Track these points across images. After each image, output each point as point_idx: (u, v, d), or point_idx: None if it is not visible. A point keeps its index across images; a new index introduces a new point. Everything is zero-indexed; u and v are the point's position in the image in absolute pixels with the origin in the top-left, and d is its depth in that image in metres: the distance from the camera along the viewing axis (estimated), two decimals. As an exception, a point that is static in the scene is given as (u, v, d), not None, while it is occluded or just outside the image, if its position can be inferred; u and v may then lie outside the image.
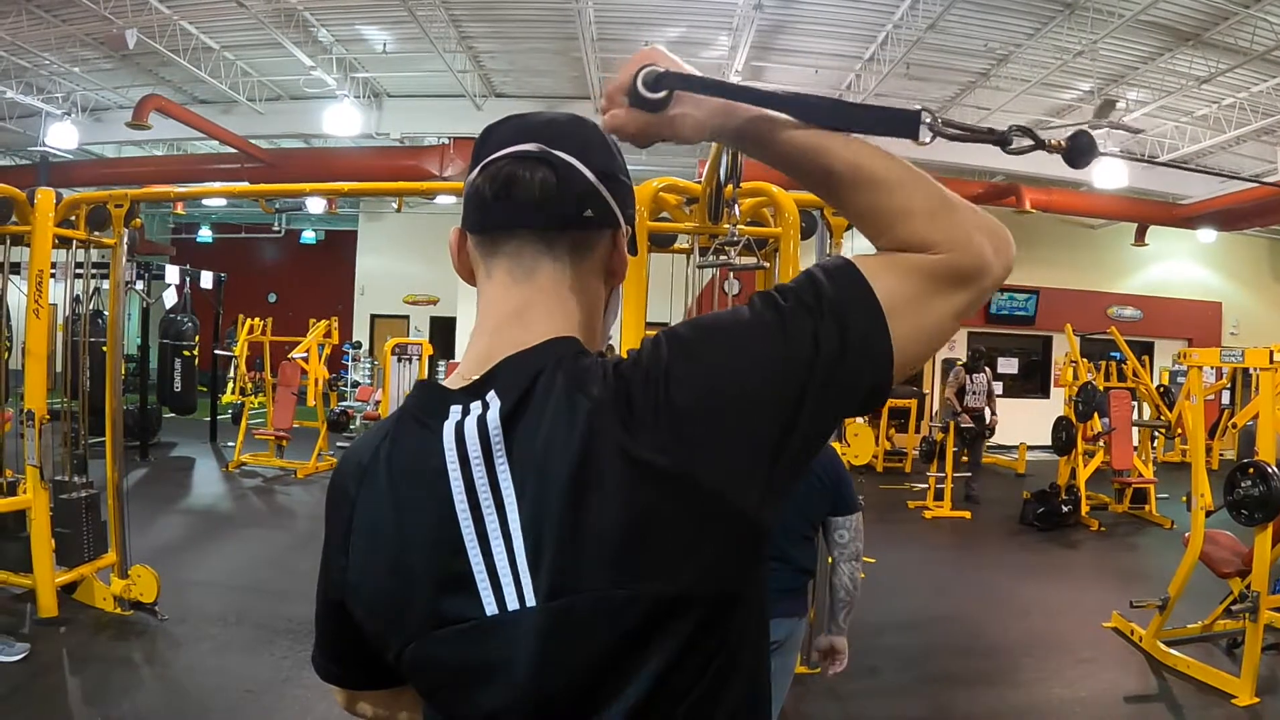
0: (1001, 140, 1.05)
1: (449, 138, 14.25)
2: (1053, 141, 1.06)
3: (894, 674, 5.59)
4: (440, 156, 14.09)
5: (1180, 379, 15.74)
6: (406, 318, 22.67)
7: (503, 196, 1.04)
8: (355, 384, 19.22)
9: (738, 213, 4.49)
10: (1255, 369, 7.02)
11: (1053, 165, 11.81)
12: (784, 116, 1.01)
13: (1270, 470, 5.55)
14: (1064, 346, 16.57)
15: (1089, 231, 19.86)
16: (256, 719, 4.54)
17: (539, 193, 1.03)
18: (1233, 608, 5.58)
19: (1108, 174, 14.12)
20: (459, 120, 13.96)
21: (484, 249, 1.09)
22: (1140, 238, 18.36)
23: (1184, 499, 6.31)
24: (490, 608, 0.96)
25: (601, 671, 0.95)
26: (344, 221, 23.66)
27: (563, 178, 1.04)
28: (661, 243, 5.75)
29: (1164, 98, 12.41)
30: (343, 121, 13.11)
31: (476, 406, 1.00)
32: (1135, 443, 11.68)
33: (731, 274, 6.18)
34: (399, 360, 12.05)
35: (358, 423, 14.91)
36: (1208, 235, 18.58)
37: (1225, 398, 15.11)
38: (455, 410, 1.00)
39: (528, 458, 0.96)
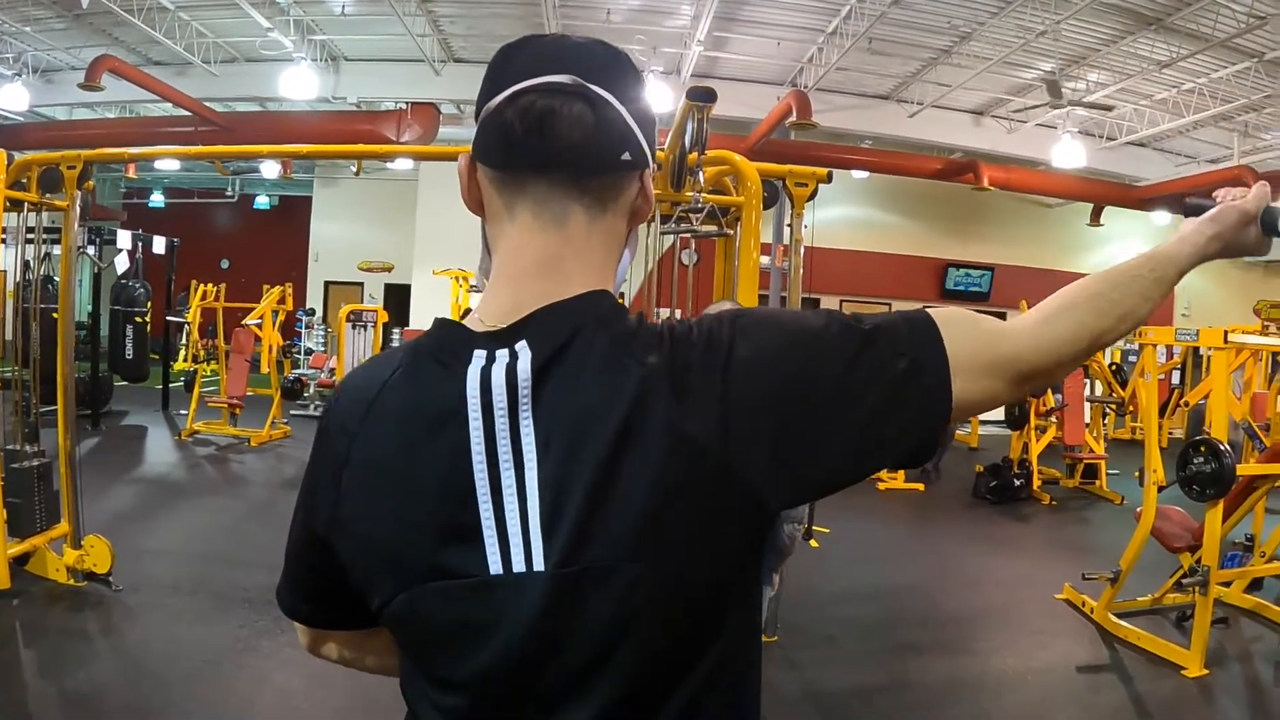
0: None
1: (406, 102, 14.04)
2: None
3: (851, 643, 5.66)
4: (397, 121, 13.88)
5: (1132, 358, 16.03)
6: (361, 285, 22.40)
7: (534, 134, 0.95)
8: (309, 351, 19.01)
9: (701, 180, 4.49)
10: (1209, 349, 7.12)
11: (1011, 143, 12.00)
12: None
13: (1222, 447, 5.66)
14: None
15: (1045, 210, 20.06)
16: (215, 689, 4.48)
17: (577, 134, 0.95)
18: (1183, 581, 5.70)
19: (1067, 154, 14.23)
20: (417, 85, 13.78)
21: (505, 186, 1.00)
22: (1096, 218, 18.54)
23: (1136, 475, 6.41)
24: (495, 566, 0.91)
25: (598, 646, 0.91)
26: (298, 187, 23.33)
27: (601, 117, 0.96)
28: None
29: (1124, 80, 12.54)
30: (299, 84, 12.85)
31: (503, 354, 0.94)
32: (1087, 419, 11.85)
33: (692, 243, 6.18)
34: (354, 327, 11.97)
35: (311, 390, 14.76)
36: (1162, 217, 18.82)
37: (1174, 377, 15.37)
38: (479, 355, 0.94)
39: (558, 416, 0.92)
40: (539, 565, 0.90)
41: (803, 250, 5.38)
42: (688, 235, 4.70)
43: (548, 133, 0.95)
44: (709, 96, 3.93)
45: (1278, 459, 6.45)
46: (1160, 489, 6.07)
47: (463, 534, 0.92)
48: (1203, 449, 5.75)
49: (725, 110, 13.11)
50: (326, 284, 22.91)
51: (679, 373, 0.92)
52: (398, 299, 20.46)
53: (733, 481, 0.92)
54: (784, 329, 0.98)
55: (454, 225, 20.03)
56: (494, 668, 0.93)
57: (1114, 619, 6.13)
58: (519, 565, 0.91)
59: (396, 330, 17.92)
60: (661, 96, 12.33)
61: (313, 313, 21.06)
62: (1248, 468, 6.08)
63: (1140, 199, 16.47)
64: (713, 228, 5.06)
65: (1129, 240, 21.13)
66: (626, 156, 0.99)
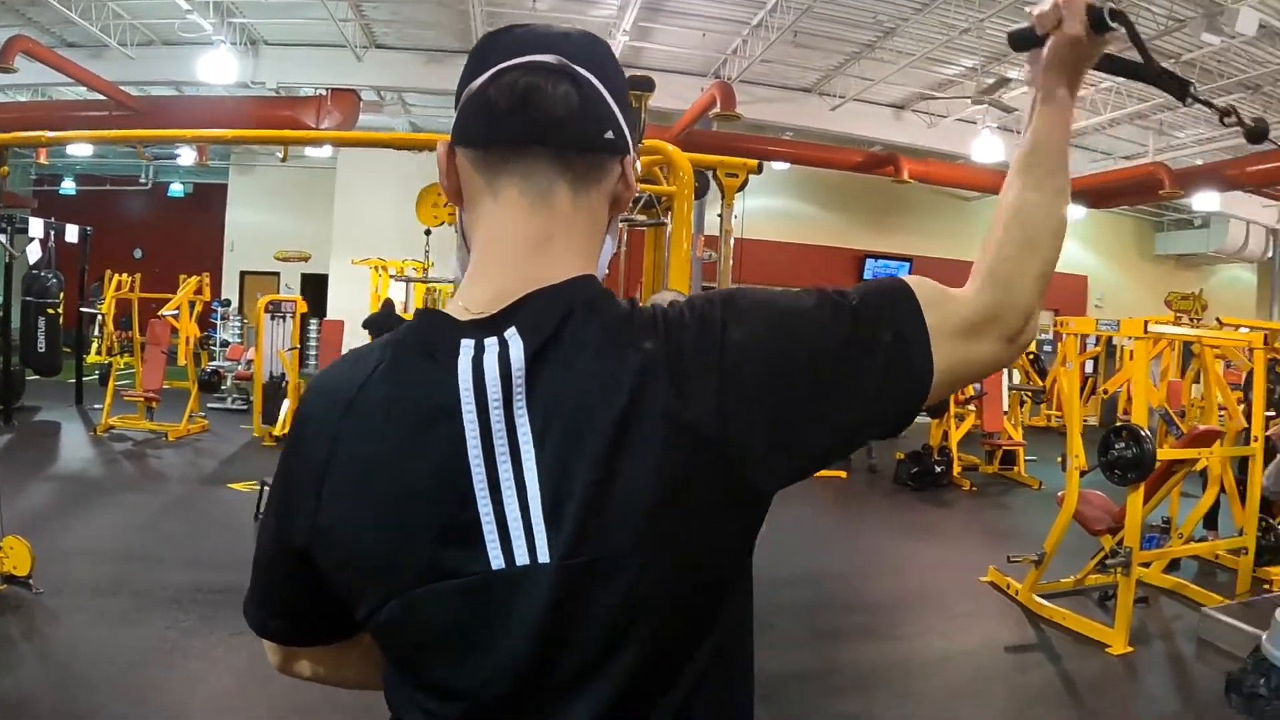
0: (1222, 114, 1.19)
1: (326, 89, 13.82)
2: (1247, 122, 1.21)
3: (783, 628, 5.70)
4: (317, 108, 13.63)
5: (1047, 347, 16.46)
6: (277, 274, 21.91)
7: (518, 109, 0.93)
8: (224, 343, 18.63)
9: (639, 169, 4.50)
10: (1128, 338, 7.34)
11: (931, 138, 12.21)
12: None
13: (1143, 433, 5.84)
14: None
15: (962, 203, 20.50)
16: (146, 692, 4.35)
17: (561, 108, 0.94)
18: (1106, 562, 5.87)
19: (986, 149, 14.55)
20: (337, 71, 13.57)
21: (486, 165, 0.98)
22: (1011, 211, 18.95)
23: (1059, 460, 6.58)
24: (496, 561, 0.88)
25: (604, 639, 0.90)
26: (213, 174, 22.70)
27: (585, 95, 0.95)
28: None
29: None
30: (218, 68, 12.53)
31: (492, 343, 0.91)
32: (1005, 407, 12.13)
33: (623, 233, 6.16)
34: (272, 318, 11.72)
35: (229, 383, 14.46)
36: (1077, 211, 19.34)
37: (1088, 367, 15.80)
38: (467, 345, 0.91)
39: (553, 404, 0.89)
40: (543, 557, 0.88)
41: (732, 241, 5.42)
42: (624, 224, 4.69)
43: (533, 107, 0.93)
44: (647, 85, 3.93)
45: (1195, 444, 6.68)
46: (1082, 474, 6.24)
47: (461, 532, 0.89)
48: (1124, 434, 5.93)
49: (649, 101, 13.18)
50: (242, 274, 22.42)
51: (675, 359, 0.91)
52: (314, 289, 20.08)
53: (731, 469, 0.91)
54: (776, 312, 0.97)
55: (372, 213, 19.93)
56: (498, 666, 0.90)
57: (1039, 600, 6.30)
58: (522, 558, 0.88)
59: (314, 321, 17.63)
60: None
61: (228, 303, 20.63)
62: (1167, 452, 6.29)
63: (1053, 194, 16.87)
64: (643, 217, 5.07)
65: (1044, 233, 21.69)
66: (610, 135, 0.98)
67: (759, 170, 5.89)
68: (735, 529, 0.96)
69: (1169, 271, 23.80)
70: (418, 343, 0.96)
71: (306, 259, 21.63)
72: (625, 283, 6.49)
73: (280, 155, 14.86)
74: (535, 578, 0.88)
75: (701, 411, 0.89)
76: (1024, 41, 1.10)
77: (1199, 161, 15.09)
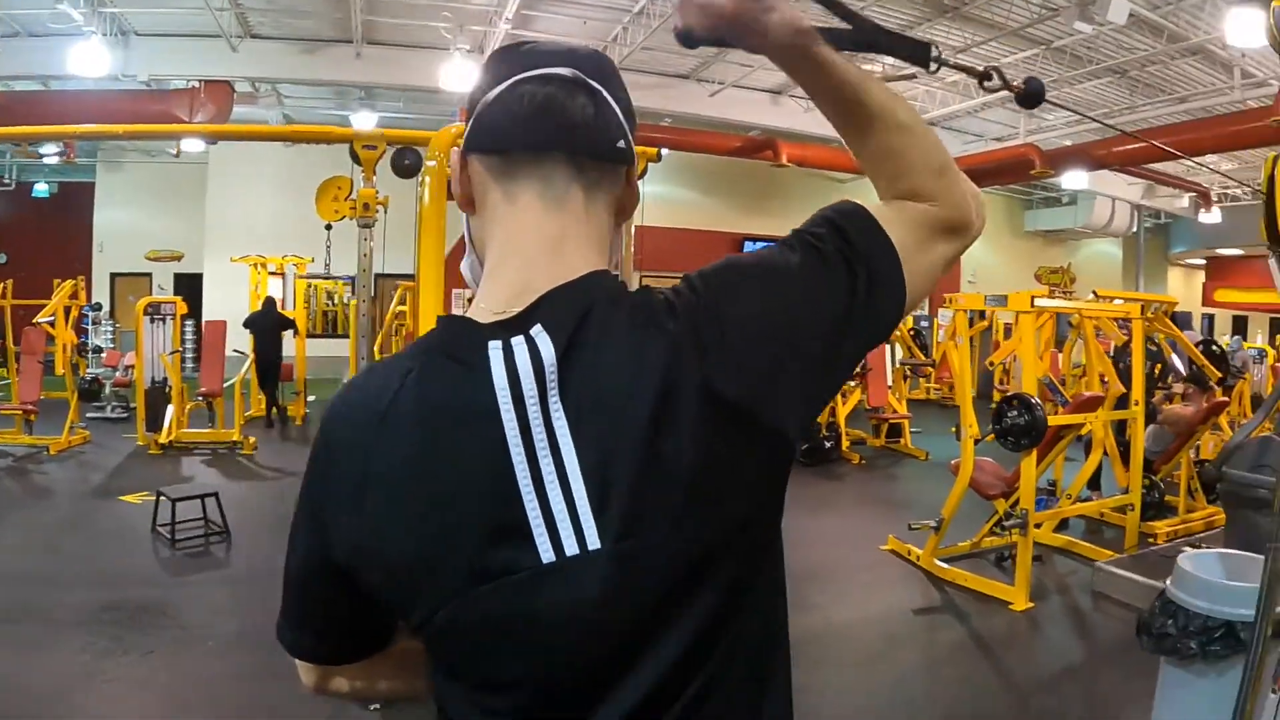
0: (982, 77, 1.21)
1: (200, 80, 13.36)
2: (1015, 84, 1.23)
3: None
4: (190, 101, 13.15)
5: (924, 323, 17.03)
6: (149, 275, 21.10)
7: (539, 116, 0.98)
8: (98, 349, 17.85)
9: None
10: (1013, 313, 7.65)
11: (808, 122, 12.46)
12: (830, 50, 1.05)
13: (1033, 401, 6.15)
14: None
15: (838, 185, 20.97)
16: (69, 721, 4.19)
17: (579, 117, 0.99)
18: (1004, 524, 6.14)
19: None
20: (211, 62, 13.11)
21: (503, 170, 1.02)
22: (886, 192, 19.49)
23: (953, 430, 6.84)
24: (547, 555, 0.91)
25: (655, 614, 0.93)
26: (80, 173, 21.66)
27: (599, 107, 1.01)
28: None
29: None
30: (89, 61, 11.89)
31: (520, 342, 0.94)
32: (889, 381, 12.50)
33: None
34: (152, 321, 11.29)
35: (108, 390, 13.88)
36: (947, 190, 20.01)
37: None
38: (495, 346, 0.94)
39: (586, 396, 0.93)
40: (593, 544, 0.91)
41: (634, 228, 5.48)
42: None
43: (553, 115, 0.98)
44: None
45: (1080, 410, 7.04)
46: (976, 442, 6.52)
47: (510, 530, 0.91)
48: (1016, 403, 6.22)
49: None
50: (113, 276, 21.50)
51: (696, 336, 0.95)
52: (189, 289, 19.40)
53: (762, 427, 0.97)
54: (773, 278, 1.02)
55: (247, 209, 19.22)
56: (557, 655, 0.93)
57: (940, 564, 6.58)
58: (571, 548, 0.91)
59: (189, 322, 17.05)
60: (466, 75, 12.21)
61: (99, 307, 19.77)
62: (1056, 419, 6.61)
63: (927, 174, 17.43)
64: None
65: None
66: (620, 145, 1.03)
67: (658, 158, 5.96)
68: (770, 487, 1.02)
69: (1038, 247, 24.80)
70: (445, 349, 0.98)
71: (179, 258, 20.90)
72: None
73: (135, 154, 14.10)
74: (586, 565, 0.91)
75: (728, 381, 0.94)
76: (688, 41, 1.05)
77: (1068, 142, 15.79)
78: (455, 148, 1.06)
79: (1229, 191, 19.82)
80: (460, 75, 12.30)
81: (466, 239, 1.10)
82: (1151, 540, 7.20)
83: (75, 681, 4.42)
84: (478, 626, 0.93)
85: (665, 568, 0.93)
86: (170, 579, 5.94)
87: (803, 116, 15.79)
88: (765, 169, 16.88)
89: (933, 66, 1.13)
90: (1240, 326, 26.64)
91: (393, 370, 0.98)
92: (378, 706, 4.12)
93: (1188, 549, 6.72)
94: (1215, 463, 5.84)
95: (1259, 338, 23.96)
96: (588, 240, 1.02)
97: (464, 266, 1.12)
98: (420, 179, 5.43)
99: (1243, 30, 8.48)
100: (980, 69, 1.21)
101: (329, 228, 5.85)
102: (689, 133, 16.30)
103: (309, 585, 1.06)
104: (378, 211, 5.20)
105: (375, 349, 11.07)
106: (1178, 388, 8.78)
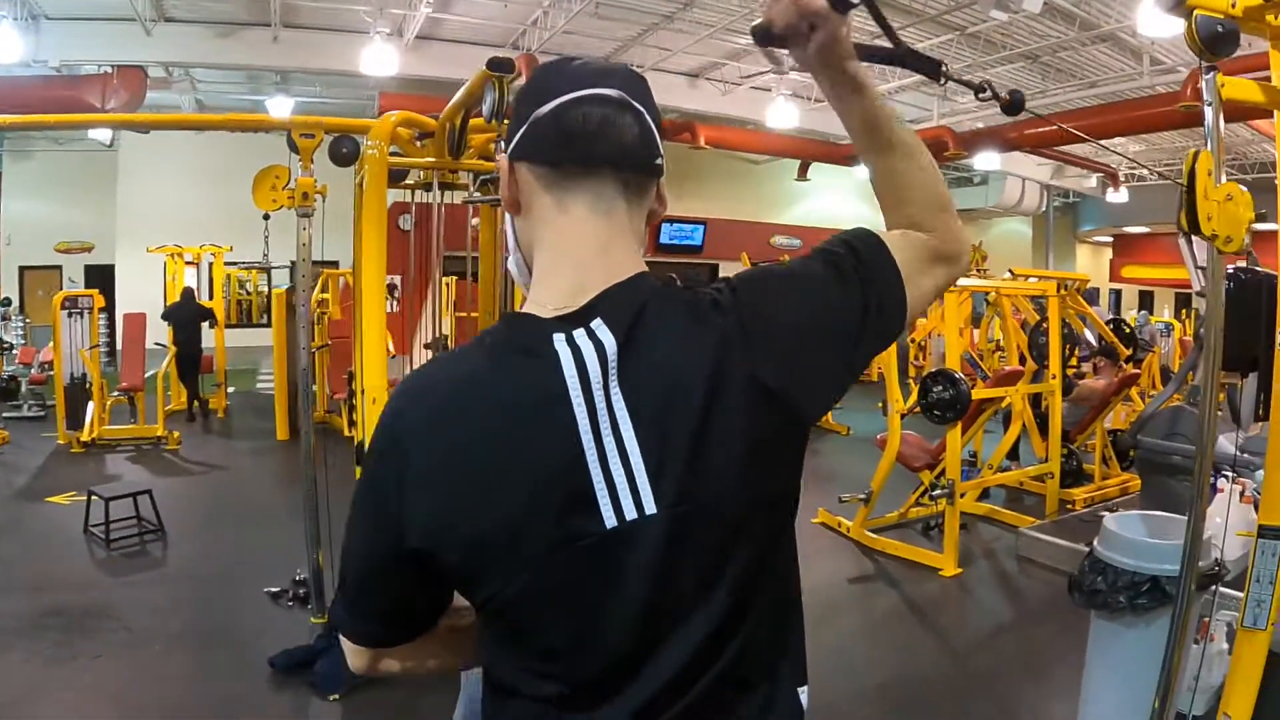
0: (977, 89, 1.38)
1: (113, 66, 12.98)
2: (1003, 97, 1.39)
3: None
4: (102, 87, 12.73)
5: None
6: (59, 268, 20.52)
7: (594, 135, 1.09)
8: (10, 346, 17.29)
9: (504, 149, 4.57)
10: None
11: (725, 104, 12.57)
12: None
13: (958, 376, 6.39)
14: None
15: (753, 167, 21.25)
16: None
17: (629, 137, 1.11)
18: (933, 494, 6.38)
19: (780, 114, 15.14)
20: (125, 46, 12.63)
21: (555, 181, 1.12)
22: (803, 173, 19.79)
23: (880, 405, 7.06)
24: (610, 521, 1.03)
25: (704, 574, 1.06)
26: (-18, 164, 21.03)
27: (643, 126, 1.12)
28: (393, 178, 5.63)
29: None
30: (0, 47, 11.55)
31: (582, 334, 1.05)
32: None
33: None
34: (69, 315, 11.03)
35: (24, 389, 13.46)
36: (864, 172, 20.27)
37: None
38: (560, 339, 1.05)
39: (645, 379, 1.05)
40: (650, 509, 1.03)
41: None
42: (488, 203, 4.76)
43: (607, 135, 1.10)
44: (508, 68, 4.00)
45: (1001, 384, 7.32)
46: (903, 416, 6.74)
47: (578, 501, 1.02)
48: (941, 379, 6.45)
49: (447, 72, 12.92)
50: (21, 269, 20.85)
51: (743, 331, 1.08)
52: (101, 281, 18.89)
53: (790, 414, 1.11)
54: (802, 285, 1.18)
55: (161, 198, 18.53)
56: (613, 616, 1.04)
57: (870, 535, 6.81)
58: (631, 514, 1.03)
59: (103, 315, 16.59)
60: (386, 59, 12.12)
61: (8, 302, 19.16)
62: (979, 392, 6.87)
63: (845, 155, 17.74)
64: (486, 196, 5.12)
65: (833, 193, 22.81)
66: (659, 161, 1.15)
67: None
68: (796, 465, 1.17)
69: (950, 227, 25.32)
70: (513, 341, 1.09)
71: (90, 250, 20.32)
72: (418, 259, 6.34)
73: (43, 143, 13.54)
74: (645, 528, 1.03)
75: (770, 373, 1.08)
76: (764, 37, 1.18)
77: (980, 125, 16.17)
78: (503, 155, 1.16)
79: (1136, 172, 20.45)
80: (380, 59, 12.14)
81: (511, 239, 1.21)
82: (1070, 506, 7.54)
83: (25, 691, 4.30)
84: (548, 592, 1.04)
85: (716, 529, 1.06)
86: (110, 580, 5.84)
87: (720, 100, 15.92)
88: (682, 151, 16.97)
89: (941, 80, 1.31)
90: (1147, 302, 27.62)
91: (462, 364, 1.11)
92: (336, 697, 4.19)
93: (1106, 514, 7.09)
94: (1130, 432, 6.15)
95: (1165, 312, 24.86)
96: (629, 244, 1.14)
97: (510, 264, 1.24)
98: (358, 167, 5.42)
99: (1154, 20, 8.80)
100: (977, 82, 1.37)
101: (267, 217, 5.77)
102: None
103: (376, 575, 1.14)
104: (316, 200, 5.18)
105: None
106: (1086, 368, 9.17)
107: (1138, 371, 9.17)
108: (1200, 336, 6.29)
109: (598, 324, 1.06)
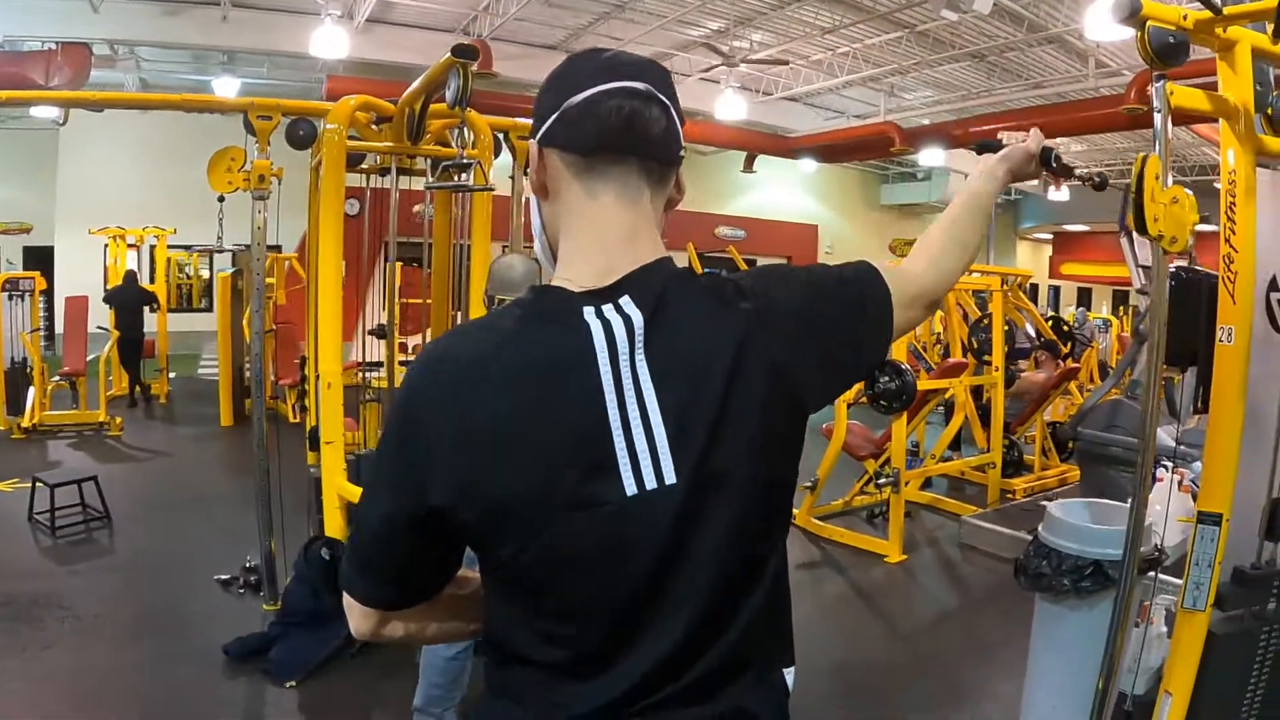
0: (1087, 181, 1.94)
1: (56, 42, 12.68)
2: (1094, 180, 1.92)
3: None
4: (46, 64, 12.43)
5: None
6: (-4, 250, 20.05)
7: (625, 127, 1.13)
8: (-55, 331, 16.78)
9: (468, 136, 4.58)
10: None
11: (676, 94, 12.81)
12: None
13: (904, 367, 6.52)
14: (681, 263, 18.20)
15: (699, 158, 21.32)
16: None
17: (655, 130, 1.15)
18: (879, 483, 6.52)
19: (729, 107, 15.21)
20: (72, 23, 12.32)
21: (585, 168, 1.16)
22: (749, 165, 19.92)
23: (833, 396, 7.15)
24: (630, 488, 1.06)
25: (715, 543, 1.10)
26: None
27: (669, 119, 1.17)
28: (351, 161, 5.59)
29: (788, 43, 13.60)
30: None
31: (610, 309, 1.11)
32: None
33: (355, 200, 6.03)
34: (10, 297, 10.82)
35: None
36: (810, 165, 20.58)
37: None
38: (589, 311, 1.11)
39: (669, 353, 1.10)
40: (670, 479, 1.07)
41: (525, 202, 5.57)
42: (459, 189, 4.75)
43: (636, 127, 1.14)
44: (472, 54, 4.01)
45: (945, 375, 7.48)
46: (849, 405, 6.89)
47: (600, 466, 1.06)
48: (887, 369, 6.58)
49: (396, 57, 12.93)
50: (-44, 251, 20.32)
51: (765, 316, 1.16)
52: (40, 263, 18.43)
53: (800, 396, 1.18)
54: (813, 286, 1.27)
55: (104, 178, 18.02)
56: (627, 578, 1.08)
57: (816, 522, 6.94)
58: (651, 483, 1.07)
59: (42, 298, 16.22)
60: (337, 41, 11.98)
61: (-56, 286, 18.63)
62: (924, 383, 7.01)
63: (791, 148, 17.91)
64: (447, 182, 5.07)
65: (778, 185, 23.03)
66: (681, 153, 1.22)
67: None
68: (797, 454, 1.23)
69: (893, 220, 25.71)
70: (542, 312, 1.14)
71: (28, 230, 19.85)
72: (356, 245, 6.36)
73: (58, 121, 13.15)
74: (663, 498, 1.07)
75: (785, 355, 1.16)
76: (985, 148, 1.69)
77: (926, 121, 16.41)
78: (533, 141, 1.19)
79: (1077, 171, 20.93)
80: (331, 41, 12.00)
81: (537, 223, 1.25)
82: (1010, 496, 7.75)
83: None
84: (566, 554, 1.07)
85: (730, 499, 1.11)
86: (57, 569, 5.76)
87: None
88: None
89: (1071, 178, 1.84)
90: (1085, 298, 28.21)
91: (487, 332, 1.15)
92: (292, 684, 4.18)
93: (1046, 503, 7.29)
94: (1071, 424, 6.33)
95: (1104, 308, 25.41)
96: (653, 231, 1.20)
97: (536, 248, 1.28)
98: (314, 150, 5.38)
99: (1102, 25, 9.02)
100: (1089, 175, 1.91)
101: (221, 199, 5.70)
102: (560, 105, 16.23)
103: (392, 535, 1.16)
104: (272, 183, 5.15)
105: (244, 321, 10.80)
106: (1026, 364, 9.40)
107: (1077, 366, 9.41)
108: (1139, 332, 6.52)
109: (625, 300, 1.11)
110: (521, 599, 1.13)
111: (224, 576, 5.38)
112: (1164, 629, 3.56)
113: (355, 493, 4.37)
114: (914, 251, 1.50)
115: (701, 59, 14.64)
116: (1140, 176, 2.64)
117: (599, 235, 1.17)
